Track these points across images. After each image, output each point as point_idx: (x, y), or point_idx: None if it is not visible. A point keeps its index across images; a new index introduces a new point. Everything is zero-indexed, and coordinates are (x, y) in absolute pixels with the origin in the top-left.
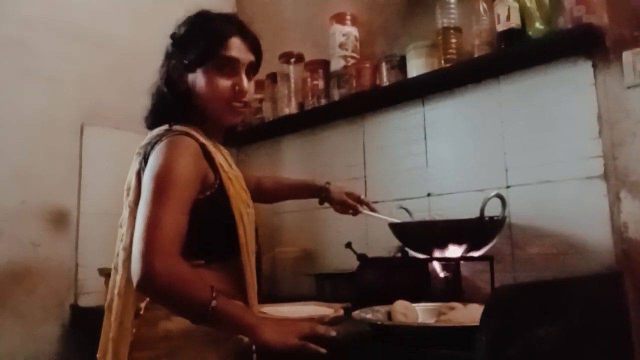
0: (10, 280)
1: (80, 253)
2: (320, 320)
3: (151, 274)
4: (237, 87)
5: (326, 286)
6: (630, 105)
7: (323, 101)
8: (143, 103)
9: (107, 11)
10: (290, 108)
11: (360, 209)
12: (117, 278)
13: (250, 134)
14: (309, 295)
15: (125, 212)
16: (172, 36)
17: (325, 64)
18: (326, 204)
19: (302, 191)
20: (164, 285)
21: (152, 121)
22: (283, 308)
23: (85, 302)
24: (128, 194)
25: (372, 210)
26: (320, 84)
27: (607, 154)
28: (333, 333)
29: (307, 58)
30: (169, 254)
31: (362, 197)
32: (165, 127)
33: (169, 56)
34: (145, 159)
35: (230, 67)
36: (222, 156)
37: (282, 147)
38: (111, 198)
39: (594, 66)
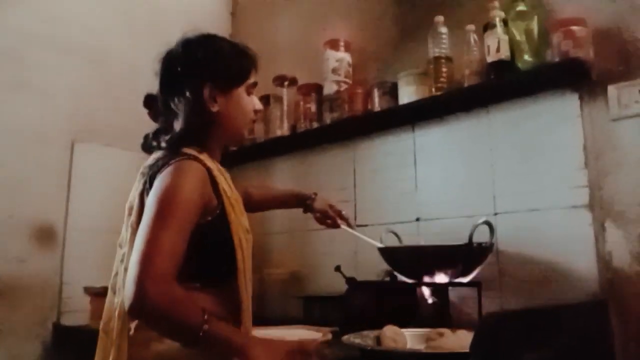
0: None
1: (66, 270)
2: (309, 342)
3: (144, 299)
4: (256, 106)
5: (314, 309)
6: (616, 137)
7: (315, 124)
8: (136, 121)
9: (102, 26)
10: (282, 130)
11: (340, 222)
12: (115, 300)
13: (242, 155)
14: (296, 318)
15: (126, 233)
16: (203, 58)
17: (318, 88)
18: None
19: (289, 200)
20: (156, 310)
21: (179, 145)
22: (271, 332)
23: (68, 320)
24: (130, 214)
25: (350, 227)
26: (313, 107)
27: (592, 184)
28: (325, 351)
29: (301, 82)
30: (164, 279)
31: (343, 212)
32: (173, 149)
33: (198, 78)
34: (150, 181)
35: (253, 89)
36: (224, 180)
37: (274, 169)
38: (99, 215)
39: (581, 98)
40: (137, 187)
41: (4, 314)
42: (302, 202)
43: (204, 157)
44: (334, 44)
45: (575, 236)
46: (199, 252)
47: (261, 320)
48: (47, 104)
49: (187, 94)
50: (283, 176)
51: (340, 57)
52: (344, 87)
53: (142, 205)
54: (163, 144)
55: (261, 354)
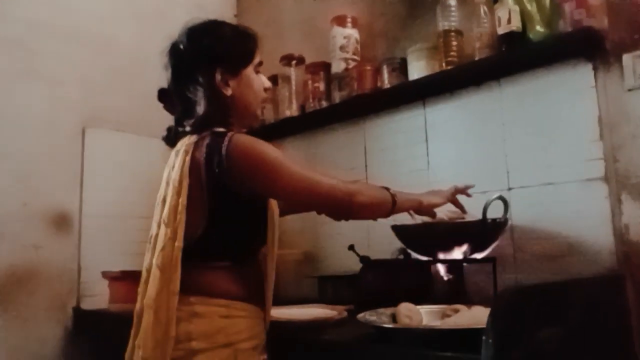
0: (12, 283)
1: (83, 256)
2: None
3: (357, 211)
4: (265, 84)
5: (328, 288)
6: (631, 108)
7: (324, 103)
8: (146, 106)
9: (110, 14)
10: (291, 110)
11: None
12: (163, 276)
13: (251, 136)
14: (311, 298)
15: (173, 212)
16: (210, 44)
17: (326, 66)
18: None
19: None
20: (367, 210)
21: (200, 125)
22: (287, 310)
23: (87, 305)
24: (176, 192)
25: None
26: (321, 86)
27: (607, 157)
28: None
29: (308, 60)
30: (351, 191)
31: None
32: (203, 128)
33: (208, 65)
34: (218, 155)
35: (259, 68)
36: None
37: (283, 149)
38: (113, 199)
39: (594, 69)
40: (179, 164)
41: (24, 300)
42: None
43: None
44: (341, 21)
45: (591, 210)
46: (237, 228)
47: (275, 300)
48: (57, 91)
49: (201, 80)
50: (293, 157)
51: (347, 34)
52: (352, 64)
53: (191, 182)
54: (188, 128)
55: (436, 199)
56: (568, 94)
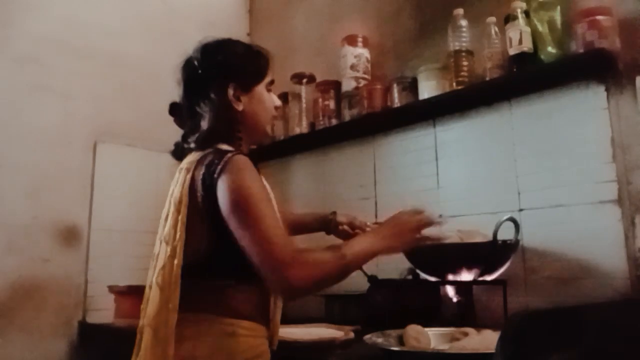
0: (20, 295)
1: (90, 269)
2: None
3: (293, 285)
4: (275, 103)
5: (335, 307)
6: None
7: (334, 121)
8: (156, 121)
9: (121, 30)
10: (301, 127)
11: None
12: (162, 295)
13: (262, 153)
14: (317, 317)
15: (174, 229)
16: (224, 61)
17: (337, 84)
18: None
19: (309, 221)
20: (308, 285)
21: (204, 141)
22: (292, 330)
23: (93, 318)
24: (178, 210)
25: None
26: (332, 104)
27: (621, 179)
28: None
29: (319, 79)
30: (293, 260)
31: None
32: (205, 146)
33: (221, 81)
34: (210, 176)
35: (271, 86)
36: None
37: (293, 166)
38: (122, 214)
39: (607, 90)
40: (180, 182)
41: (31, 313)
42: (324, 219)
43: None
44: (351, 40)
45: (604, 232)
46: (237, 248)
47: (282, 318)
48: (69, 106)
49: (212, 95)
50: (302, 174)
51: (358, 53)
52: (362, 83)
53: (191, 200)
54: (192, 145)
55: (397, 245)
56: (580, 115)
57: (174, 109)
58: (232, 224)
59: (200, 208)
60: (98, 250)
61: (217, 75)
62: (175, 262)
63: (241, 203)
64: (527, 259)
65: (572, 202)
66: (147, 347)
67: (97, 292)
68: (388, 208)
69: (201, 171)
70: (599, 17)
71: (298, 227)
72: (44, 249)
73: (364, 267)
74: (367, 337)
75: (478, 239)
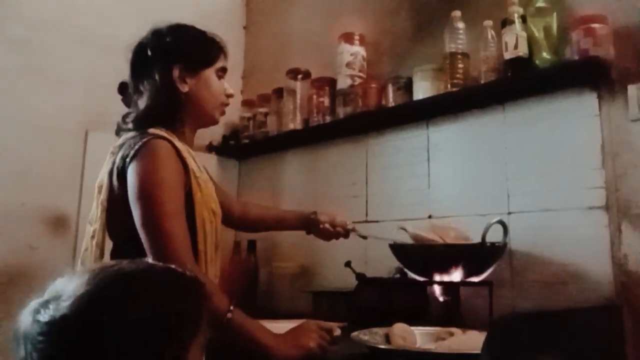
0: (6, 282)
1: (78, 257)
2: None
3: None
4: (227, 91)
5: (323, 304)
6: (634, 138)
7: (328, 118)
8: None
9: (115, 15)
10: (295, 123)
11: (349, 227)
12: None
13: (254, 148)
14: (305, 313)
15: (97, 210)
16: (172, 42)
17: (332, 81)
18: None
19: (290, 219)
20: None
21: (145, 123)
22: (279, 324)
23: None
24: (100, 192)
25: (360, 234)
26: (326, 101)
27: (609, 185)
28: (337, 332)
29: (314, 75)
30: (188, 267)
31: (349, 223)
32: (139, 128)
33: (166, 62)
34: (122, 161)
35: (223, 74)
36: (193, 160)
37: (285, 162)
38: None
39: (599, 98)
40: (106, 165)
41: (16, 300)
42: (306, 218)
43: (171, 137)
44: (348, 38)
45: (591, 238)
46: None
47: (269, 313)
48: (61, 92)
49: (156, 75)
50: (295, 169)
51: (354, 51)
52: (358, 81)
53: (111, 184)
54: (130, 125)
55: (288, 352)
56: (572, 121)
57: (122, 89)
58: (134, 211)
59: (116, 192)
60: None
61: (163, 55)
62: (94, 242)
63: (144, 190)
64: (515, 262)
65: (561, 207)
66: None
67: None
68: (379, 206)
69: (118, 155)
70: (595, 25)
71: (279, 223)
72: (31, 236)
73: (353, 264)
74: (353, 334)
75: (452, 234)
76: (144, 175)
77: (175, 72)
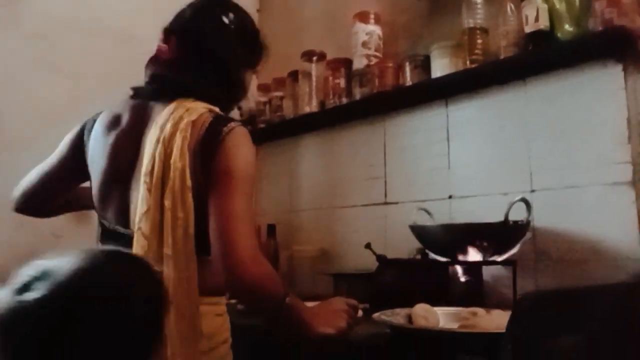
0: None
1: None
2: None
3: (245, 277)
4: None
5: (344, 286)
6: None
7: (344, 100)
8: None
9: (128, 8)
10: (311, 106)
11: None
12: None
13: (271, 132)
14: (326, 295)
15: (172, 195)
16: (243, 30)
17: (348, 62)
18: None
19: None
20: (257, 288)
21: (206, 97)
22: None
23: None
24: (179, 175)
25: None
26: (342, 82)
27: (635, 160)
28: (360, 313)
29: (329, 56)
30: (259, 257)
31: None
32: (217, 110)
33: (233, 42)
34: (207, 139)
35: (250, 77)
36: None
37: (302, 145)
38: None
39: (625, 70)
40: (177, 144)
41: None
42: None
43: None
44: (363, 17)
45: (616, 215)
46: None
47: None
48: (76, 85)
49: (229, 56)
50: (312, 153)
51: (370, 30)
52: (374, 61)
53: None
54: (186, 94)
55: (325, 327)
56: (596, 95)
57: (167, 36)
58: (215, 192)
59: (192, 173)
60: None
61: (242, 41)
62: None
63: (240, 176)
64: (538, 240)
65: (585, 183)
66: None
67: None
68: (398, 188)
69: (200, 131)
70: None
71: None
72: (55, 225)
73: (372, 246)
74: (375, 315)
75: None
76: (242, 166)
77: (243, 58)
